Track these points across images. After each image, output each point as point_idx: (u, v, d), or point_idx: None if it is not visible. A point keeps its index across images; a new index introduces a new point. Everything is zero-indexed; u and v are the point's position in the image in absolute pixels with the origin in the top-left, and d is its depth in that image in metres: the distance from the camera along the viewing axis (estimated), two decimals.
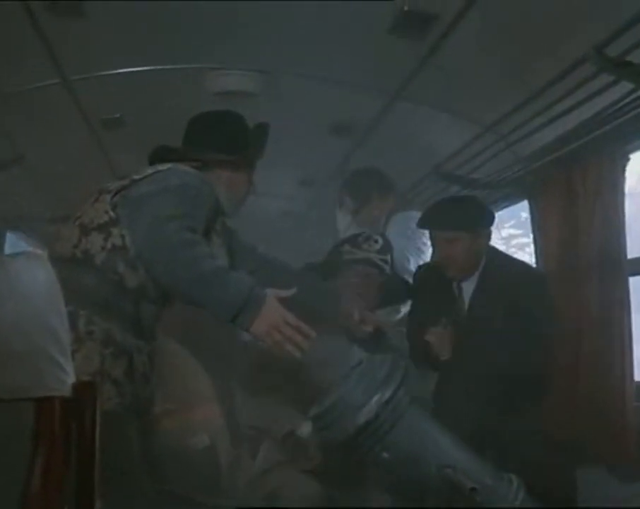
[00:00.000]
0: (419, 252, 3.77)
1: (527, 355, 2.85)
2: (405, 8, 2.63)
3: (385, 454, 2.32)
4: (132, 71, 3.36)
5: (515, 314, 2.89)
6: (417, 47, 2.92)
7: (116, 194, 2.22)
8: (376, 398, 2.30)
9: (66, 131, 4.01)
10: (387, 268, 3.31)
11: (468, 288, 3.12)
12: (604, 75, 2.64)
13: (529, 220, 3.80)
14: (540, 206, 3.59)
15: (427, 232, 3.42)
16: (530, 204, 3.72)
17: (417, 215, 3.33)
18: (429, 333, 3.00)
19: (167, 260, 2.08)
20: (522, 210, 4.11)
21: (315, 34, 2.98)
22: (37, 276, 1.40)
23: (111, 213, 2.19)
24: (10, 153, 4.03)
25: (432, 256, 3.57)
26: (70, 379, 1.42)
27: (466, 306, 3.11)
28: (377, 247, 3.30)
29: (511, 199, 4.02)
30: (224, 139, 2.49)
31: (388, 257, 3.34)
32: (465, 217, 3.06)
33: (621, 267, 3.06)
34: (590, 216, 3.17)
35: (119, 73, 3.37)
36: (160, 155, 2.47)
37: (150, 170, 2.29)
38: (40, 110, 3.62)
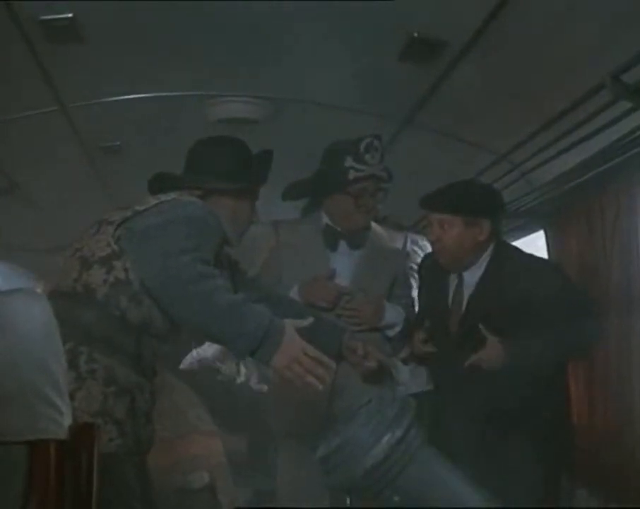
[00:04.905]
0: None
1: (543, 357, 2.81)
2: (415, 35, 2.66)
3: (396, 498, 2.30)
4: (132, 98, 3.40)
5: (525, 310, 2.81)
6: (427, 73, 2.95)
7: (119, 225, 2.19)
8: (386, 438, 2.26)
9: (63, 159, 4.05)
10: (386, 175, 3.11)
11: (472, 281, 2.99)
12: (622, 102, 2.66)
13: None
14: (557, 237, 3.59)
15: None
16: (546, 234, 3.72)
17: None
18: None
19: (183, 295, 2.06)
20: (538, 239, 4.11)
21: (321, 60, 3.01)
22: (34, 313, 1.41)
23: (114, 246, 2.17)
24: (5, 182, 4.07)
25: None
26: (67, 421, 1.42)
27: (465, 300, 3.00)
28: (379, 156, 3.04)
29: (526, 230, 4.02)
30: (227, 167, 2.47)
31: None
32: (459, 201, 2.92)
33: None
34: (608, 246, 3.17)
35: (119, 100, 3.41)
36: (159, 183, 2.46)
37: (153, 201, 2.27)
38: (37, 138, 3.65)
